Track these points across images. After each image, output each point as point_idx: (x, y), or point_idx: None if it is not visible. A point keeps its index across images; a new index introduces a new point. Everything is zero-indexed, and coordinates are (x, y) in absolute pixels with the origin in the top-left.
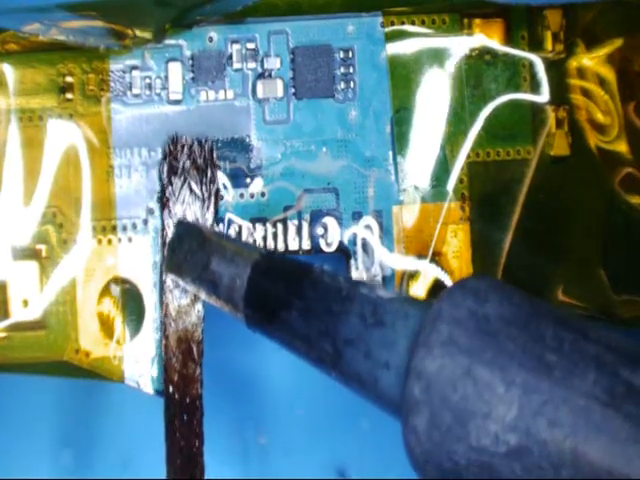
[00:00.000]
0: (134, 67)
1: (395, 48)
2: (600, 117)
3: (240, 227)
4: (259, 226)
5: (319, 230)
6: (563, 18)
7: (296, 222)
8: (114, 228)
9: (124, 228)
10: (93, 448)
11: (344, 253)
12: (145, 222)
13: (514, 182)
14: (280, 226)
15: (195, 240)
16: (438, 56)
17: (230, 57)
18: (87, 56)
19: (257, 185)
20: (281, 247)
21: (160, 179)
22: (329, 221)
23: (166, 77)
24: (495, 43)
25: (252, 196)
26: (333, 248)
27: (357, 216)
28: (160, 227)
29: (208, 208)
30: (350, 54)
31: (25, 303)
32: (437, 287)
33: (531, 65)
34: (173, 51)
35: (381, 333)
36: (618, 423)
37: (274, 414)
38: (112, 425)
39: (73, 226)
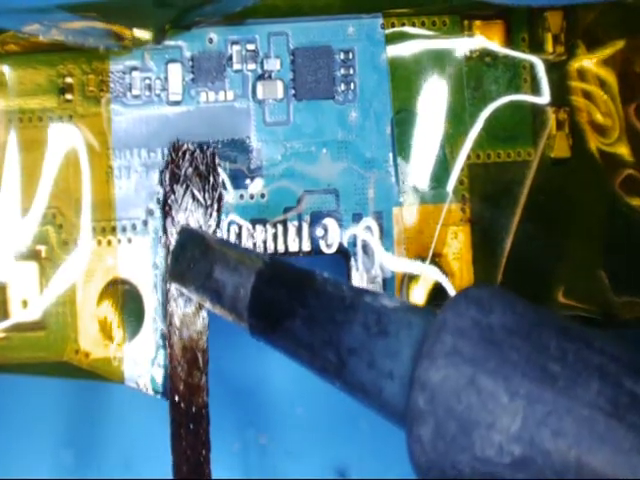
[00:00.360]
0: (134, 68)
1: (395, 50)
2: (601, 119)
3: (240, 228)
4: (259, 227)
5: (319, 231)
6: (564, 20)
7: (296, 223)
8: (114, 229)
9: (124, 229)
10: (94, 448)
11: (344, 254)
12: (145, 223)
13: (514, 184)
14: (280, 227)
15: (198, 248)
16: (438, 58)
17: (230, 58)
18: (87, 57)
19: (257, 186)
20: (281, 248)
21: (162, 186)
22: (329, 222)
23: (166, 78)
24: (495, 45)
25: (252, 197)
26: (333, 249)
27: (357, 217)
28: (162, 234)
29: (211, 215)
30: (350, 55)
31: (25, 304)
32: (437, 289)
33: (532, 67)
34: (173, 52)
35: (385, 342)
36: (622, 433)
37: (274, 414)
38: (113, 425)
39: (73, 227)
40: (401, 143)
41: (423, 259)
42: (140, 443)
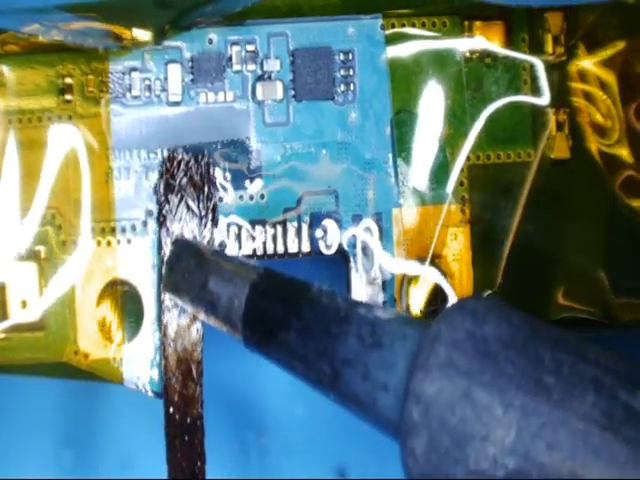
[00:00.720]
0: (133, 69)
1: (395, 50)
2: (601, 120)
3: (239, 228)
4: (258, 228)
5: (319, 232)
6: (564, 21)
7: (295, 224)
8: (113, 230)
9: (123, 230)
10: (94, 448)
11: (344, 256)
12: (144, 224)
13: (514, 185)
14: (279, 228)
15: (193, 259)
16: (438, 59)
17: (230, 59)
18: (86, 57)
19: (257, 187)
20: (280, 249)
21: (157, 197)
22: (329, 223)
23: (165, 79)
24: (495, 46)
25: (251, 198)
26: (332, 251)
27: (357, 218)
28: (157, 245)
29: (206, 225)
30: (350, 56)
31: (24, 304)
32: (437, 291)
33: (532, 68)
34: (172, 53)
35: (379, 354)
36: (617, 446)
37: (274, 414)
38: (112, 425)
39: (72, 228)
40: (401, 144)
41: (423, 260)
42: (139, 443)
